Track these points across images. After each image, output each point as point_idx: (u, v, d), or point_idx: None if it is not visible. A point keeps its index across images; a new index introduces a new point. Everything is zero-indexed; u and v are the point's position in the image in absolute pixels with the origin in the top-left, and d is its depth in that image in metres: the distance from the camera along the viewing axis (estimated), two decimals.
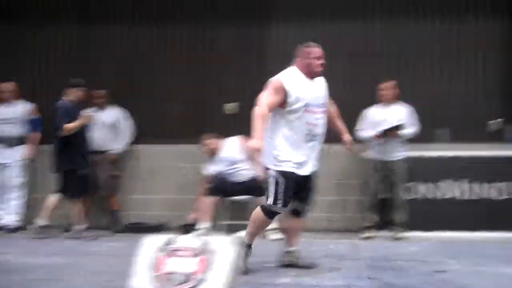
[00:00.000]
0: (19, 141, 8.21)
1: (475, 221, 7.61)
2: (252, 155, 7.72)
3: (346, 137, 5.60)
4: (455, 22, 8.42)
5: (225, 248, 4.01)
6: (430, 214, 7.71)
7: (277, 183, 5.12)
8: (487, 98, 8.39)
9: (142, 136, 8.44)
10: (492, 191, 7.75)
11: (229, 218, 7.93)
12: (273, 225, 7.50)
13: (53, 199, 7.56)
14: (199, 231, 7.47)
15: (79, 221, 7.48)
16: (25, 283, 4.98)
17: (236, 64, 8.67)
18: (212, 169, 7.90)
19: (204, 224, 7.57)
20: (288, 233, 5.54)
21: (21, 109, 8.25)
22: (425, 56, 8.46)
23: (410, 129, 7.52)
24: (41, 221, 7.53)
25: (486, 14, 8.43)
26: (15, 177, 8.17)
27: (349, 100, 7.42)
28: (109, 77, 8.65)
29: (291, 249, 5.51)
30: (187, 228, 7.66)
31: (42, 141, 8.23)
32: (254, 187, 7.66)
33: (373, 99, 7.69)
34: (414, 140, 7.67)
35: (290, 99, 5.08)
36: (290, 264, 5.46)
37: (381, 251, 6.49)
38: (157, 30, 8.84)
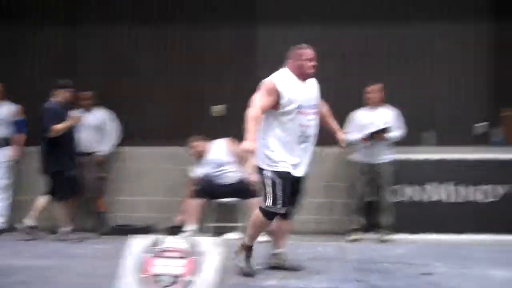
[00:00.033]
0: (4, 142, 8.15)
1: (461, 223, 7.65)
2: (240, 158, 7.77)
3: (340, 135, 5.60)
4: (440, 26, 8.45)
5: (212, 250, 4.00)
6: (416, 217, 7.75)
7: (274, 184, 5.11)
8: (473, 102, 8.44)
9: (129, 138, 8.40)
10: (478, 193, 7.79)
11: (216, 220, 7.92)
12: None
13: (42, 200, 7.53)
14: (186, 233, 7.47)
15: (65, 223, 7.44)
16: (10, 286, 4.94)
17: (224, 66, 8.66)
18: (199, 171, 7.89)
19: (190, 226, 7.56)
20: (275, 235, 5.53)
21: (6, 110, 8.19)
22: (411, 59, 8.50)
23: (396, 132, 7.55)
24: (29, 221, 7.51)
25: (472, 17, 8.47)
26: (0, 178, 8.11)
27: (336, 103, 7.39)
28: (96, 78, 8.61)
29: (278, 251, 5.50)
30: (174, 230, 7.65)
31: (27, 143, 8.21)
32: (242, 189, 7.68)
33: (359, 102, 7.72)
34: (400, 143, 7.70)
35: (283, 101, 5.08)
36: (277, 266, 5.46)
37: (368, 254, 6.50)
38: (153, 30, 8.82)
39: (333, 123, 5.66)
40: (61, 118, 7.36)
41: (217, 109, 8.65)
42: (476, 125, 8.37)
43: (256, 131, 4.98)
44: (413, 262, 5.92)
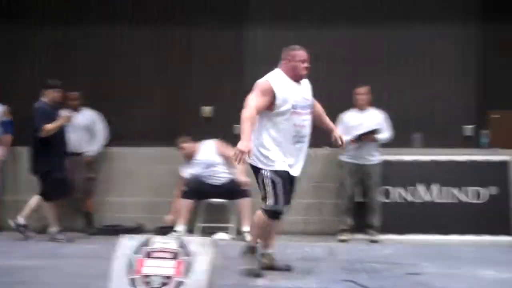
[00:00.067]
0: None
1: (449, 224, 7.71)
2: (229, 159, 7.78)
3: (336, 133, 5.61)
4: (429, 28, 8.51)
5: (202, 250, 3.99)
6: (404, 218, 7.80)
7: (274, 183, 5.10)
8: (462, 104, 8.50)
9: (118, 138, 8.39)
10: (466, 195, 7.85)
11: (206, 220, 7.93)
12: (249, 227, 7.54)
13: (35, 200, 7.51)
14: (175, 234, 7.46)
15: (53, 223, 7.42)
16: None
17: (212, 67, 8.67)
18: (188, 171, 7.89)
19: (180, 227, 7.56)
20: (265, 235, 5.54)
21: None
22: (400, 62, 8.55)
23: (385, 134, 7.60)
24: (21, 219, 7.50)
25: (460, 21, 8.54)
26: None
27: (325, 104, 7.44)
28: (85, 78, 8.60)
29: (267, 251, 5.51)
30: (163, 230, 7.64)
31: (14, 143, 8.23)
32: (231, 189, 7.70)
33: (348, 104, 7.75)
34: (389, 144, 7.75)
35: (278, 101, 5.09)
36: (266, 266, 5.46)
37: (356, 254, 6.53)
38: (154, 31, 8.82)
39: (328, 122, 5.69)
40: (51, 118, 7.34)
41: (207, 110, 8.66)
42: (465, 127, 8.42)
43: (251, 132, 4.99)
44: (401, 262, 5.95)
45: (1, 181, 8.26)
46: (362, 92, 7.70)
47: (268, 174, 5.11)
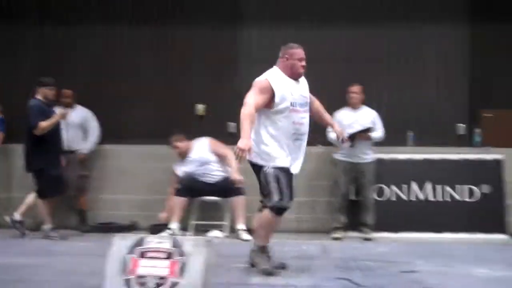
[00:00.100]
0: None
1: (442, 222, 7.73)
2: (222, 156, 7.78)
3: (336, 128, 5.60)
4: (422, 29, 8.54)
5: (197, 250, 3.96)
6: (398, 216, 7.82)
7: (277, 179, 5.10)
8: (455, 103, 8.53)
9: (111, 136, 8.37)
10: (459, 193, 7.87)
11: (200, 218, 7.92)
12: (243, 225, 7.55)
13: (32, 197, 7.50)
14: (169, 231, 7.46)
15: (47, 220, 7.39)
16: None
17: (206, 65, 8.67)
18: (182, 169, 7.88)
19: (173, 224, 7.55)
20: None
21: None
22: (394, 61, 8.57)
23: (378, 132, 7.61)
24: (17, 215, 7.50)
25: (452, 21, 8.56)
26: None
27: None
28: (78, 77, 8.58)
29: None
30: (157, 228, 7.63)
31: (6, 141, 8.24)
32: (225, 187, 7.69)
33: (340, 104, 7.75)
34: (383, 143, 7.77)
35: (276, 99, 5.10)
36: None
37: (350, 252, 6.54)
38: (150, 30, 8.81)
39: (328, 117, 5.72)
40: (46, 115, 7.32)
41: (201, 108, 8.65)
42: (458, 125, 8.45)
43: (251, 129, 4.98)
44: (395, 260, 5.97)
45: None
46: (355, 91, 7.71)
47: (271, 170, 5.11)
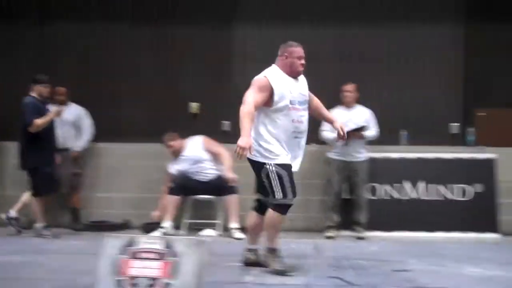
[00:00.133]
0: None
1: (435, 221, 7.75)
2: (217, 155, 7.78)
3: (337, 124, 5.61)
4: (416, 28, 8.56)
5: (189, 251, 3.94)
6: (391, 215, 7.84)
7: (280, 176, 5.10)
8: (448, 102, 8.55)
9: (105, 134, 8.35)
10: (452, 192, 7.89)
11: (193, 217, 7.91)
12: (237, 224, 7.55)
13: (28, 194, 7.50)
14: (162, 230, 7.45)
15: (40, 219, 7.37)
16: None
17: (200, 64, 8.66)
18: (175, 167, 7.87)
19: (166, 223, 7.54)
20: (253, 230, 5.54)
21: None
22: (387, 60, 8.58)
23: (372, 131, 7.62)
24: (12, 212, 7.53)
25: (446, 20, 8.58)
26: None
27: None
28: (72, 74, 8.56)
29: (254, 247, 5.52)
30: (150, 226, 7.63)
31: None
32: (219, 186, 7.69)
33: (333, 103, 7.75)
34: (376, 142, 7.78)
35: (276, 97, 5.10)
36: (253, 263, 5.47)
37: (343, 251, 6.55)
38: (144, 29, 8.79)
39: (328, 113, 5.72)
40: (41, 113, 7.30)
41: (195, 106, 8.64)
42: (451, 124, 8.46)
43: (250, 127, 4.98)
44: (388, 259, 5.98)
45: None
46: (349, 90, 7.71)
47: (273, 168, 5.11)
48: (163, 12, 8.77)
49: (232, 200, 7.65)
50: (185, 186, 7.71)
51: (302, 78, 5.38)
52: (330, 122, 5.65)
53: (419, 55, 8.58)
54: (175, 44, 8.75)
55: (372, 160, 7.80)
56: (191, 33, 8.72)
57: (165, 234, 7.35)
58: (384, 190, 7.95)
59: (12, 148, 7.64)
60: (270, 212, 5.20)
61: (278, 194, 5.11)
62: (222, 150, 7.83)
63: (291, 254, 6.15)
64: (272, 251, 5.30)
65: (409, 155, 8.05)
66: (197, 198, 7.85)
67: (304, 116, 5.25)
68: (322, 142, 7.75)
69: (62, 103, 8.06)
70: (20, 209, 7.59)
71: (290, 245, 6.76)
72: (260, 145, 5.13)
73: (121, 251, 3.96)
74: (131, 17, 8.78)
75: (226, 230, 7.66)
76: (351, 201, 7.78)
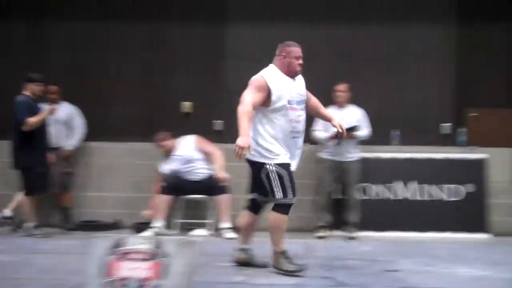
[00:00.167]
0: None
1: (426, 221, 7.77)
2: (209, 154, 7.77)
3: (335, 122, 5.61)
4: (407, 27, 8.58)
5: (180, 251, 3.91)
6: (382, 215, 7.86)
7: (280, 176, 5.10)
8: (440, 102, 8.56)
9: (97, 133, 8.32)
10: (443, 192, 7.91)
11: (184, 216, 7.90)
12: (228, 224, 7.54)
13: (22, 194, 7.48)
14: (153, 229, 7.44)
15: (31, 218, 7.34)
16: None
17: (192, 63, 8.65)
18: (167, 167, 7.86)
19: (158, 222, 7.53)
20: (246, 230, 5.53)
21: None
22: (378, 60, 8.58)
23: (364, 131, 7.63)
24: (7, 212, 7.55)
25: (438, 21, 8.60)
26: None
27: None
28: (64, 73, 8.54)
29: (246, 247, 5.51)
30: (141, 226, 7.61)
31: None
32: (210, 186, 7.68)
33: (325, 103, 7.74)
34: (368, 142, 7.79)
35: (273, 97, 5.10)
36: (244, 263, 5.47)
37: (334, 251, 6.56)
38: (134, 27, 8.76)
39: (326, 113, 5.74)
40: (34, 112, 7.27)
41: (187, 105, 8.63)
42: (442, 125, 8.48)
43: (249, 127, 4.97)
44: (379, 259, 6.00)
45: None
46: (341, 89, 7.72)
47: (273, 168, 5.11)
48: (155, 11, 8.75)
49: (223, 199, 7.64)
50: (176, 185, 7.70)
51: (299, 78, 5.38)
52: (329, 120, 5.65)
53: (410, 56, 8.60)
54: (167, 43, 8.74)
55: (364, 160, 7.81)
56: (184, 32, 8.71)
57: (157, 233, 7.34)
58: (376, 190, 7.96)
59: (3, 147, 7.60)
60: (272, 214, 5.19)
61: (279, 194, 5.12)
62: (214, 149, 7.83)
63: None
64: (281, 253, 5.26)
65: (401, 155, 8.07)
66: (189, 197, 7.84)
67: (302, 116, 5.26)
68: (314, 142, 7.75)
69: (54, 101, 8.03)
70: (15, 208, 7.59)
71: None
72: (259, 145, 5.13)
73: (109, 252, 3.92)
74: (122, 16, 8.74)
75: (217, 230, 7.65)
76: (342, 201, 7.79)
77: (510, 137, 8.19)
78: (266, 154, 5.14)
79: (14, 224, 7.59)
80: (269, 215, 5.22)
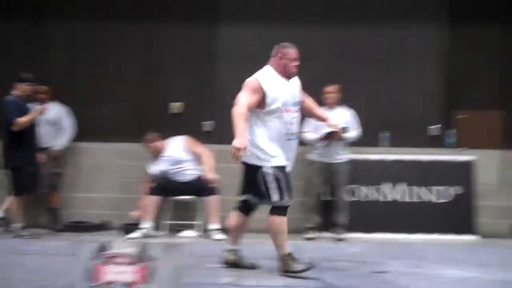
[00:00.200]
0: None
1: (414, 223, 7.79)
2: (198, 155, 7.76)
3: (331, 122, 5.60)
4: (397, 29, 8.60)
5: (164, 254, 3.87)
6: (371, 216, 7.87)
7: (277, 179, 5.10)
8: (427, 104, 8.59)
9: (86, 133, 8.29)
10: (431, 194, 7.94)
11: (173, 217, 7.89)
12: (217, 225, 7.53)
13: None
14: (142, 230, 7.42)
15: (18, 219, 7.30)
16: None
17: (183, 63, 8.64)
18: (155, 168, 7.83)
19: (146, 224, 7.50)
20: (235, 231, 5.53)
21: None
22: (367, 61, 8.60)
23: (353, 132, 7.64)
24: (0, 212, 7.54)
25: (427, 21, 8.63)
26: None
27: None
28: (55, 73, 8.51)
29: (235, 248, 5.51)
30: (130, 227, 7.59)
31: None
32: (199, 187, 7.67)
33: (316, 103, 7.76)
34: (356, 143, 7.80)
35: (268, 100, 5.10)
36: (232, 264, 5.47)
37: (323, 252, 6.57)
38: (125, 27, 8.75)
39: (321, 112, 5.76)
40: (23, 112, 7.24)
41: (176, 106, 8.61)
42: (431, 127, 8.51)
43: (245, 128, 4.97)
44: (368, 261, 6.01)
45: None
46: (331, 91, 7.73)
47: (270, 170, 5.11)
48: (145, 11, 8.72)
49: (212, 201, 7.63)
50: (165, 186, 7.68)
51: (295, 79, 5.38)
52: (324, 120, 5.67)
53: (399, 57, 8.62)
54: (157, 43, 8.72)
55: (353, 162, 7.82)
56: (174, 32, 8.70)
57: (145, 234, 7.32)
58: (364, 192, 7.97)
59: None
60: (271, 218, 5.20)
61: (275, 197, 5.12)
62: (204, 150, 7.82)
63: (271, 255, 6.15)
64: (287, 256, 5.25)
65: (390, 156, 8.09)
66: (178, 199, 7.82)
67: (296, 117, 5.27)
68: (302, 143, 7.75)
69: (43, 101, 7.99)
70: (7, 209, 7.57)
71: (271, 246, 6.75)
72: (255, 148, 5.13)
73: (96, 256, 3.87)
74: (112, 16, 8.71)
75: (206, 231, 7.64)
76: (331, 203, 7.79)
77: (499, 139, 8.22)
78: (262, 156, 5.14)
79: (6, 225, 7.57)
80: (268, 220, 5.22)
